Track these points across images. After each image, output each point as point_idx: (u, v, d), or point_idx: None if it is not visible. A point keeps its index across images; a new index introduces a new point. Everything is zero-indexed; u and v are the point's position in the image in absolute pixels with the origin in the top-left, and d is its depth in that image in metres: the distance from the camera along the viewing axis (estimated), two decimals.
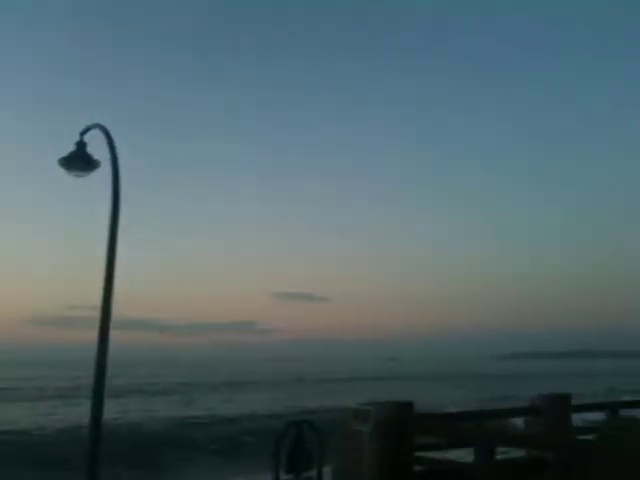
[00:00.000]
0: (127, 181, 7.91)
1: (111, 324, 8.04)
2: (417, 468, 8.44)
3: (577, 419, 10.38)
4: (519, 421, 10.43)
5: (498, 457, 8.70)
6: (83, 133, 8.26)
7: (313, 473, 8.44)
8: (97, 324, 8.07)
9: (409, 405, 8.47)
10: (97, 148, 8.26)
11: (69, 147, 8.09)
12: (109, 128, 7.97)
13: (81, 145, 8.19)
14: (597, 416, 10.53)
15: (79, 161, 8.09)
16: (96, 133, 8.22)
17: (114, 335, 8.13)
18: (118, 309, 8.23)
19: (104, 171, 8.13)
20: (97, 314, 8.07)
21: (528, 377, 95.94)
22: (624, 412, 10.47)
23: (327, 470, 8.61)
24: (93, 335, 7.92)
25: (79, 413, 34.73)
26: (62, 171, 8.11)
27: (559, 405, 9.76)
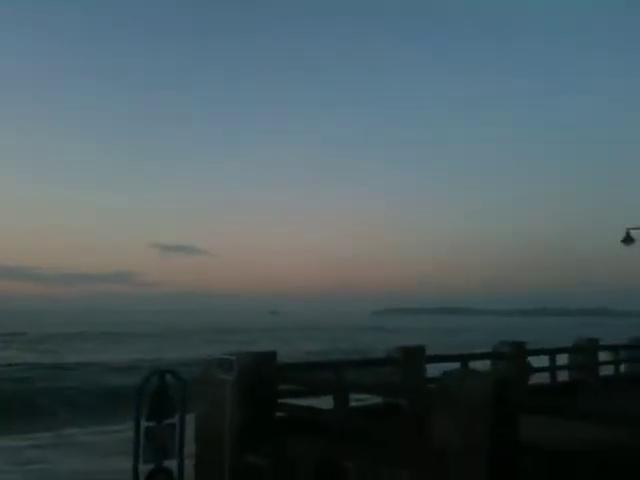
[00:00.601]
0: None
1: None
2: (279, 414, 8.77)
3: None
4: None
5: (355, 404, 9.19)
6: None
7: (175, 420, 8.53)
8: None
9: (272, 355, 8.73)
10: None
11: None
12: None
13: None
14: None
15: None
16: None
17: None
18: None
19: None
20: None
21: (398, 331, 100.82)
22: (474, 364, 11.39)
23: (190, 417, 8.74)
24: None
25: None
26: None
27: (414, 356, 10.45)
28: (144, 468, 8.25)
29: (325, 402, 10.24)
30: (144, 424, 8.32)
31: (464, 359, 11.47)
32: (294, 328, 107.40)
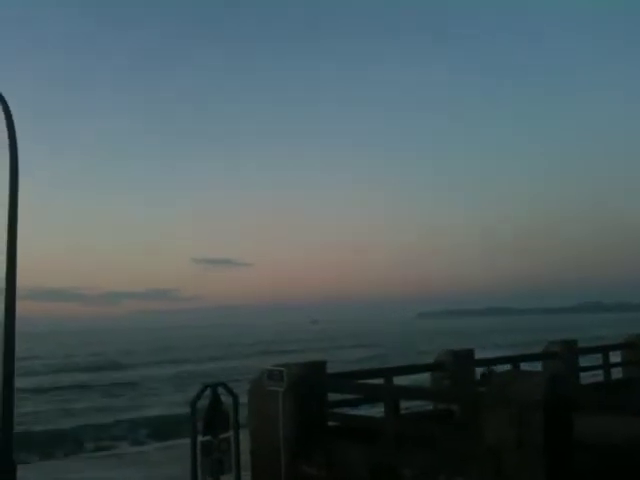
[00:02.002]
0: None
1: (25, 294, 7.81)
2: (330, 423, 8.83)
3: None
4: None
5: (407, 411, 9.19)
6: None
7: (230, 434, 8.67)
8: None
9: (321, 364, 8.80)
10: None
11: None
12: None
13: None
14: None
15: None
16: None
17: (27, 305, 7.88)
18: (30, 278, 7.95)
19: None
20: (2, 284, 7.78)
21: (445, 334, 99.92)
22: (526, 365, 11.26)
23: (244, 431, 8.87)
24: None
25: None
26: None
27: (463, 360, 10.38)
28: None
29: (375, 411, 10.28)
30: (200, 439, 8.48)
31: (514, 360, 11.35)
32: (335, 337, 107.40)
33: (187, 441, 8.57)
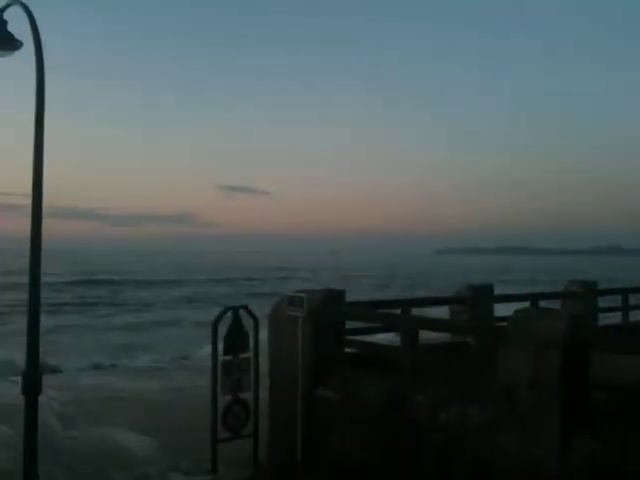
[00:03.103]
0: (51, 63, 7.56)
1: (48, 212, 7.86)
2: (348, 350, 9.00)
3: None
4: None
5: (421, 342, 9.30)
6: (2, 10, 7.75)
7: (249, 355, 8.91)
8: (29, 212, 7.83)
9: (341, 293, 8.89)
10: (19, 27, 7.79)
11: None
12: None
13: (1, 23, 7.69)
14: None
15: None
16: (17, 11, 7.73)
17: (49, 223, 7.95)
18: (53, 197, 7.99)
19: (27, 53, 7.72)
20: (29, 202, 7.84)
21: (462, 270, 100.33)
22: (545, 304, 11.28)
23: (263, 352, 9.09)
24: (26, 223, 7.73)
25: None
26: None
27: (482, 295, 10.43)
28: (222, 399, 8.70)
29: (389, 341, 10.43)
30: (221, 358, 8.73)
31: (533, 298, 11.37)
32: (352, 268, 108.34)
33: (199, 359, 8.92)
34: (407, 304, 9.54)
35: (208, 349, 8.96)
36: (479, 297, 10.37)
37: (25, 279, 6.90)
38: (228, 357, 8.73)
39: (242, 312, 8.97)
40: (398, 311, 9.45)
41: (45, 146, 7.56)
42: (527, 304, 10.46)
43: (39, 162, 7.89)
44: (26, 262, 6.96)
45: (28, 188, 7.89)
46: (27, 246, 7.09)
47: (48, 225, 7.91)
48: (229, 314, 8.83)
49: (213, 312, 9.28)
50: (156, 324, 30.84)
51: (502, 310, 10.00)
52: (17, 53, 7.78)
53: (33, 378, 7.69)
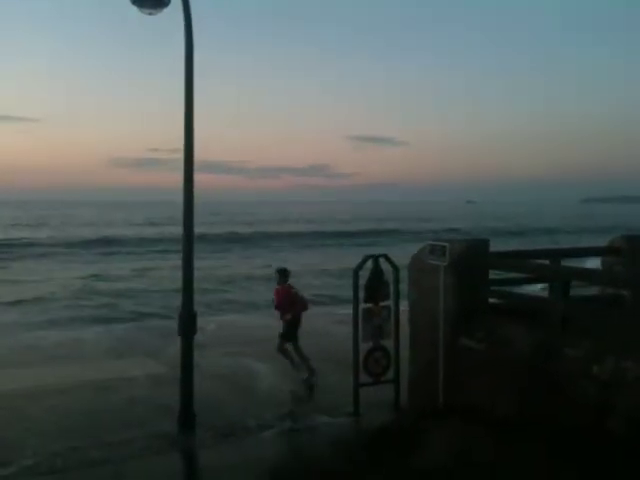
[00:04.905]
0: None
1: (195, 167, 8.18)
2: (492, 301, 8.76)
3: None
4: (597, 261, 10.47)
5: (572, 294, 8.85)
6: None
7: (390, 303, 8.94)
8: (175, 166, 8.19)
9: (484, 242, 8.62)
10: None
11: None
12: None
13: None
14: None
15: None
16: None
17: (195, 178, 8.21)
18: (198, 152, 8.22)
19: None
20: (176, 157, 8.22)
21: (612, 219, 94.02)
22: None
23: (403, 301, 9.09)
24: (172, 177, 8.12)
25: None
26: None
27: (639, 246, 9.66)
28: (364, 346, 8.86)
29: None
30: (362, 306, 8.85)
31: None
32: (490, 217, 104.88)
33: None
34: (556, 254, 9.05)
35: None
36: (636, 248, 9.61)
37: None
38: (369, 305, 8.82)
39: (383, 262, 8.96)
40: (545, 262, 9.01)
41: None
42: None
43: (189, 120, 8.26)
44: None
45: (174, 144, 8.31)
46: (173, 198, 7.52)
47: (195, 179, 8.30)
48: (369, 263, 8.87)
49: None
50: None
51: None
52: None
53: (188, 319, 8.30)
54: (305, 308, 10.94)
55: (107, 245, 49.40)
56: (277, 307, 10.87)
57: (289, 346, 10.78)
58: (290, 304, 10.70)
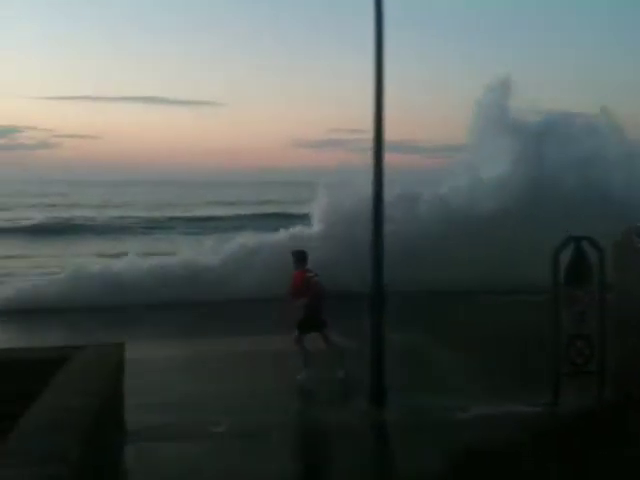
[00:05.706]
0: None
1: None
2: None
3: None
4: None
5: None
6: None
7: (594, 287, 8.35)
8: (356, 147, 8.29)
9: None
10: None
11: None
12: None
13: None
14: None
15: None
16: None
17: (368, 159, 8.20)
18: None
19: None
20: (356, 137, 8.29)
21: None
22: None
23: (609, 287, 8.45)
24: (353, 158, 8.21)
25: None
26: None
27: None
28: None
29: None
30: (563, 290, 8.38)
31: None
32: None
33: None
34: None
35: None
36: None
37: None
38: (570, 289, 8.33)
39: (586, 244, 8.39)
40: None
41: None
42: None
43: (380, 101, 8.30)
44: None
45: (354, 124, 8.41)
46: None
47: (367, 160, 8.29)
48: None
49: None
50: None
51: None
52: None
53: (378, 294, 8.39)
54: (320, 295, 9.49)
55: None
56: (291, 294, 9.57)
57: (303, 337, 9.62)
58: (305, 290, 9.41)
